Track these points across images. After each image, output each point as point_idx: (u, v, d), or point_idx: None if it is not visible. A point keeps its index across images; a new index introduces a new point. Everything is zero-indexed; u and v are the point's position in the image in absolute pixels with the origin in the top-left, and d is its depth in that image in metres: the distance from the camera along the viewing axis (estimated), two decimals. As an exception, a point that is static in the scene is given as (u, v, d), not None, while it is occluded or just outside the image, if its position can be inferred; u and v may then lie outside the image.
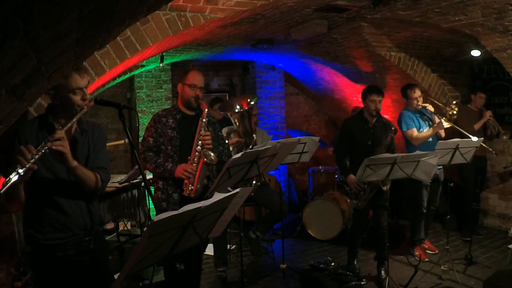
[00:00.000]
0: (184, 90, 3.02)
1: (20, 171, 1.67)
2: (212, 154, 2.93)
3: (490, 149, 4.75)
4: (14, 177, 1.65)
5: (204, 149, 2.92)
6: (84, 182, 2.01)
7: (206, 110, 3.01)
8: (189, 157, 2.92)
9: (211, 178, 3.03)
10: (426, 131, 4.38)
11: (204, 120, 2.97)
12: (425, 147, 4.27)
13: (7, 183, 1.63)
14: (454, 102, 4.54)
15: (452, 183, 4.18)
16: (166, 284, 3.04)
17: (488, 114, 4.87)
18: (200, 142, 2.92)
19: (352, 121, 4.05)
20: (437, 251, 4.58)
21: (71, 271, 2.04)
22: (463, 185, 4.91)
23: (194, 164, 2.88)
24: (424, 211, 4.44)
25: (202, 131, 2.94)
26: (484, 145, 4.48)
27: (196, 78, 3.01)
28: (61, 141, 1.85)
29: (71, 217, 2.04)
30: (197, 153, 2.91)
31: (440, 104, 4.75)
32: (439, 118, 4.36)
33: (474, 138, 4.02)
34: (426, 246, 4.61)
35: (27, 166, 1.68)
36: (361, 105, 4.07)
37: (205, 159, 2.87)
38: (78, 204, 2.07)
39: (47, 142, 1.80)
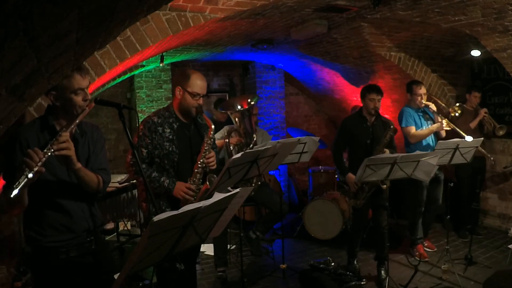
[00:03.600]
0: (184, 96, 2.68)
1: (30, 175, 1.65)
2: None
3: (488, 155, 4.72)
4: (23, 181, 1.64)
5: (210, 174, 2.70)
6: (87, 184, 2.01)
7: (213, 127, 2.75)
8: (189, 178, 2.69)
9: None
10: (424, 129, 4.38)
11: (209, 142, 2.72)
12: (425, 148, 4.29)
13: (16, 188, 1.62)
14: (458, 104, 4.53)
15: (452, 183, 4.18)
16: (163, 285, 2.93)
17: (483, 111, 4.85)
18: (202, 163, 2.70)
19: (351, 120, 4.05)
20: (435, 249, 4.60)
21: (74, 273, 2.04)
22: (459, 185, 4.91)
23: (194, 186, 2.66)
24: (423, 210, 4.44)
25: (207, 153, 2.71)
26: (482, 150, 4.48)
27: (199, 86, 2.68)
28: (67, 143, 1.85)
29: (75, 219, 2.04)
30: (198, 175, 2.69)
31: (442, 104, 4.74)
32: (441, 119, 4.35)
33: (469, 138, 4.04)
34: (426, 244, 4.63)
35: (36, 169, 1.67)
36: (361, 104, 4.07)
37: (209, 186, 2.65)
38: (80, 206, 2.07)
39: (53, 144, 1.79)
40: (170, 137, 2.67)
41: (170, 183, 2.63)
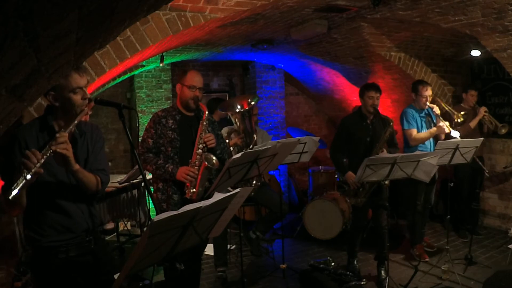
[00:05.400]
0: (183, 91, 2.98)
1: (28, 176, 1.65)
2: (214, 158, 2.91)
3: (484, 167, 4.73)
4: (21, 182, 1.63)
5: (206, 153, 2.91)
6: (85, 185, 2.01)
7: (206, 113, 3.00)
8: (190, 160, 2.90)
9: (212, 180, 3.01)
10: (425, 132, 4.35)
11: (204, 123, 2.96)
12: (423, 148, 4.30)
13: (15, 189, 1.61)
14: (462, 112, 4.49)
15: (452, 183, 4.18)
16: (166, 284, 3.02)
17: (483, 110, 4.79)
18: (201, 145, 2.91)
19: (350, 118, 4.05)
20: (435, 248, 4.61)
21: (74, 273, 2.04)
22: (459, 185, 4.91)
23: (195, 167, 2.86)
24: (420, 210, 4.43)
25: (203, 134, 2.93)
26: (478, 162, 4.52)
27: (195, 78, 2.98)
28: (65, 144, 1.85)
29: (74, 220, 2.04)
30: (198, 156, 2.90)
31: (447, 108, 4.69)
32: (443, 122, 4.30)
33: (454, 133, 4.19)
34: (425, 244, 4.63)
35: (34, 170, 1.67)
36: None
37: (207, 164, 2.85)
38: (79, 206, 2.07)
39: (51, 145, 1.79)
40: (173, 126, 2.96)
41: (173, 168, 2.87)
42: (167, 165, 2.88)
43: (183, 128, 2.97)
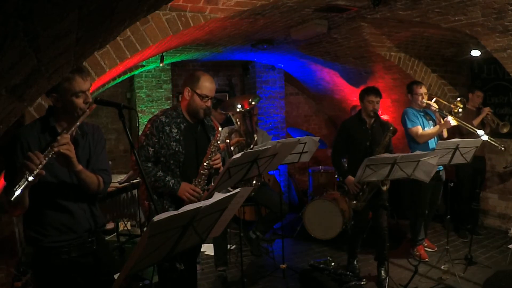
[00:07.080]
0: (193, 98, 2.69)
1: (30, 178, 1.65)
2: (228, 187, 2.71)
3: (497, 144, 4.50)
4: (23, 184, 1.63)
5: (215, 176, 2.71)
6: (88, 185, 2.01)
7: (220, 129, 2.81)
8: (194, 179, 2.70)
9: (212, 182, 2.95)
10: (432, 129, 4.33)
11: (215, 144, 2.75)
12: (427, 147, 4.30)
13: (17, 190, 1.61)
14: (459, 99, 4.49)
15: (452, 183, 4.18)
16: (164, 285, 2.93)
17: (486, 109, 4.81)
18: (206, 164, 2.71)
19: (350, 122, 4.05)
20: (436, 249, 4.61)
21: (74, 273, 2.04)
22: (459, 185, 4.91)
23: (199, 187, 2.68)
24: (425, 211, 4.43)
25: (213, 155, 2.73)
26: (491, 140, 4.42)
27: (208, 88, 2.69)
28: (67, 145, 1.85)
29: (77, 220, 2.04)
30: (203, 176, 2.71)
31: (444, 102, 4.70)
32: (444, 115, 4.30)
33: (480, 132, 4.12)
34: (426, 244, 4.63)
35: (36, 172, 1.67)
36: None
37: None
38: (81, 206, 2.07)
39: (54, 146, 1.79)
40: (177, 137, 2.67)
41: (175, 183, 2.64)
42: (167, 179, 2.64)
43: (188, 140, 2.72)
